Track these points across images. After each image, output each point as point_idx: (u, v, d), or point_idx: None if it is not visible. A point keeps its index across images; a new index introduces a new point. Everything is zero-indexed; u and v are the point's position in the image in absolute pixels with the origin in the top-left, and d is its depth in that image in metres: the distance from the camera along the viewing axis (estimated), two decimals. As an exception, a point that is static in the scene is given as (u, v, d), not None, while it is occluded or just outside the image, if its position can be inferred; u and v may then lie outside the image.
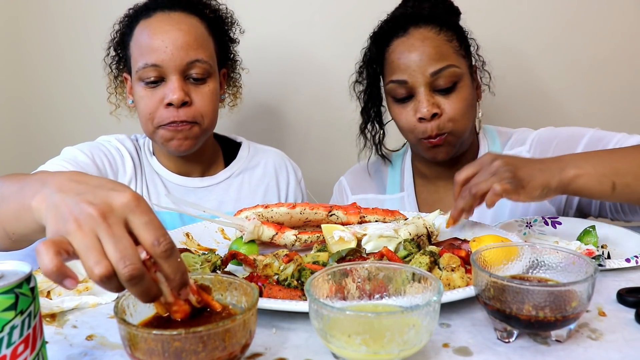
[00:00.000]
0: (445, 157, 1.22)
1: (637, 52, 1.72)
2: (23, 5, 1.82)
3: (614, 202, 1.12)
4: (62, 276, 0.53)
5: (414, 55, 1.16)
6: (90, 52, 1.81)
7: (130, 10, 1.28)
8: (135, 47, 1.22)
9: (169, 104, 1.17)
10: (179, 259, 0.57)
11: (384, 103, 1.32)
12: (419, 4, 1.26)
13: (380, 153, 1.36)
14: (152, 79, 1.18)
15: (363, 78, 1.30)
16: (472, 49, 1.26)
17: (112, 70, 1.35)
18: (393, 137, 1.39)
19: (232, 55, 1.39)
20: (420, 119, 1.17)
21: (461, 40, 1.21)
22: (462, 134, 1.21)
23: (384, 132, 1.35)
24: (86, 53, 1.82)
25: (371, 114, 1.32)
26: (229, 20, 1.35)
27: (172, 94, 1.17)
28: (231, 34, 1.36)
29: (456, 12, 1.29)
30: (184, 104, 1.18)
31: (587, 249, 0.94)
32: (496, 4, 1.70)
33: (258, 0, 1.75)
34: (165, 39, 1.17)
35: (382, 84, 1.29)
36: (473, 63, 1.26)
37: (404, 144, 1.41)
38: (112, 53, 1.33)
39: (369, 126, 1.33)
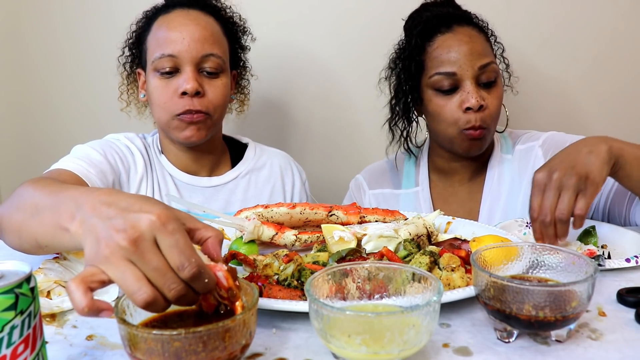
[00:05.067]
0: (478, 152, 1.28)
1: (636, 51, 1.72)
2: (23, 4, 1.82)
3: (609, 204, 1.18)
4: (96, 312, 0.53)
5: (464, 49, 1.21)
6: (91, 53, 1.81)
7: (148, 12, 1.33)
8: (152, 40, 1.26)
9: (184, 93, 1.21)
10: (206, 280, 0.57)
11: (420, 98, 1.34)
12: (439, 8, 1.31)
13: (407, 147, 1.39)
14: (168, 69, 1.22)
15: (398, 73, 1.32)
16: (498, 52, 1.33)
17: (125, 70, 1.38)
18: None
19: (242, 63, 1.43)
20: (467, 109, 1.21)
21: (491, 44, 1.30)
22: (493, 129, 1.28)
23: (416, 125, 1.38)
24: (87, 54, 1.82)
25: (407, 107, 1.34)
26: (242, 28, 1.40)
27: (186, 84, 1.20)
28: (243, 41, 1.41)
29: (486, 25, 1.35)
30: (197, 94, 1.22)
31: (589, 249, 0.94)
32: (495, 2, 1.71)
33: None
34: (182, 31, 1.22)
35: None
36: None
37: (425, 139, 1.43)
38: (127, 52, 1.37)
39: (399, 120, 1.36)
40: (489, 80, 1.23)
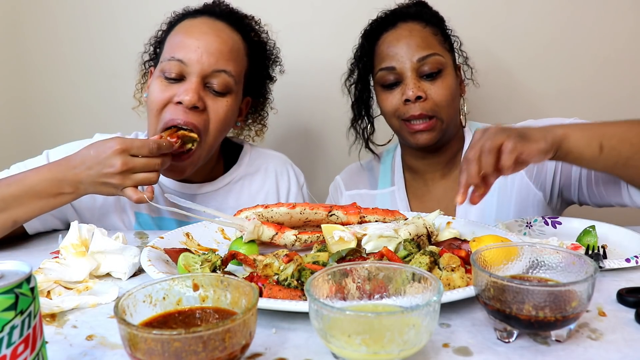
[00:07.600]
0: (428, 142, 1.26)
1: (620, 47, 1.72)
2: (25, 3, 1.82)
3: (591, 185, 1.16)
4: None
5: (402, 44, 1.25)
6: (91, 52, 1.81)
7: (178, 14, 1.27)
8: (169, 41, 1.20)
9: (179, 103, 1.12)
10: (164, 144, 1.04)
11: (372, 97, 1.39)
12: (406, 9, 1.33)
13: (368, 147, 1.42)
14: (173, 75, 1.14)
15: (354, 73, 1.37)
16: (455, 45, 1.34)
17: (143, 67, 1.33)
18: (381, 132, 1.43)
19: (264, 92, 1.36)
20: (406, 101, 1.23)
21: (445, 37, 1.30)
22: (446, 120, 1.26)
23: (372, 127, 1.42)
24: (87, 52, 1.82)
25: (361, 107, 1.39)
26: (274, 57, 1.33)
27: (185, 94, 1.12)
28: (270, 71, 1.34)
29: (441, 20, 1.34)
30: (195, 108, 1.13)
31: (572, 244, 0.94)
32: (485, 5, 1.71)
33: (256, 1, 1.75)
34: (200, 39, 1.15)
35: (371, 77, 1.36)
36: (457, 61, 1.34)
37: (389, 140, 1.44)
38: (150, 50, 1.31)
39: (359, 120, 1.40)
40: (431, 71, 1.23)
